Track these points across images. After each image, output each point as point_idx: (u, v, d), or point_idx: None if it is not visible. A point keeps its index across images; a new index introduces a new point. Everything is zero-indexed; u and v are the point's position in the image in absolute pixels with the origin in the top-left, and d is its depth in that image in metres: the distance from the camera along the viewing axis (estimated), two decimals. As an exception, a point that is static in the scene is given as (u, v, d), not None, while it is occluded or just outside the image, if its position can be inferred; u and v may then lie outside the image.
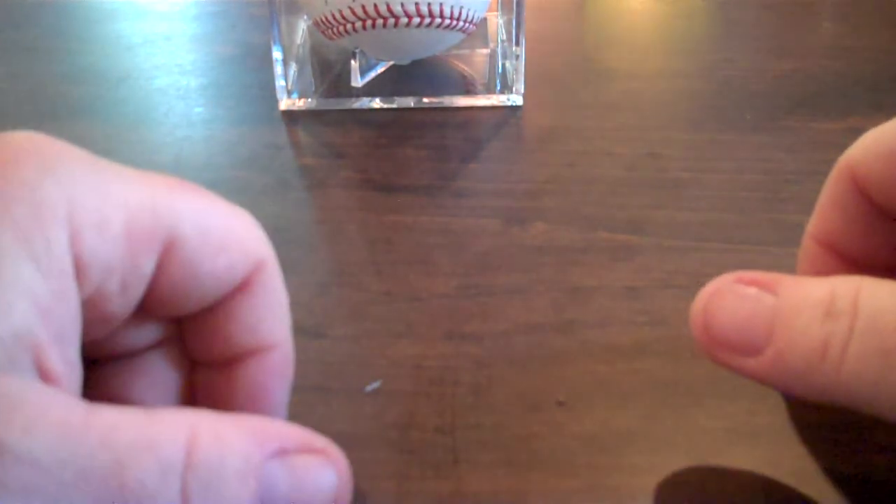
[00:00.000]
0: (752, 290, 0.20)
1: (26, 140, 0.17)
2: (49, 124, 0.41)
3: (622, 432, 0.25)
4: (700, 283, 0.30)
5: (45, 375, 0.16)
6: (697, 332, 0.21)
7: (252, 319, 0.20)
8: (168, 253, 0.18)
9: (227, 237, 0.19)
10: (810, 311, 0.19)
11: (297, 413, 0.25)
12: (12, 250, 0.15)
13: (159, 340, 0.21)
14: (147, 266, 0.18)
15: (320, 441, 0.19)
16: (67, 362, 0.16)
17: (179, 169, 0.38)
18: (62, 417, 0.15)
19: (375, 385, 0.27)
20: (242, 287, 0.20)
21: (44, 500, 0.14)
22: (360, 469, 0.24)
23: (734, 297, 0.20)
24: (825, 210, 0.22)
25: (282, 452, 0.18)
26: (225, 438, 0.17)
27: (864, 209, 0.22)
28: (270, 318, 0.21)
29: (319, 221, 0.35)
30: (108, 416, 0.16)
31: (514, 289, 0.31)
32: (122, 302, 0.18)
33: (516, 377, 0.27)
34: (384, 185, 0.36)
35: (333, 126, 0.41)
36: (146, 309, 0.19)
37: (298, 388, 0.22)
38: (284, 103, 0.42)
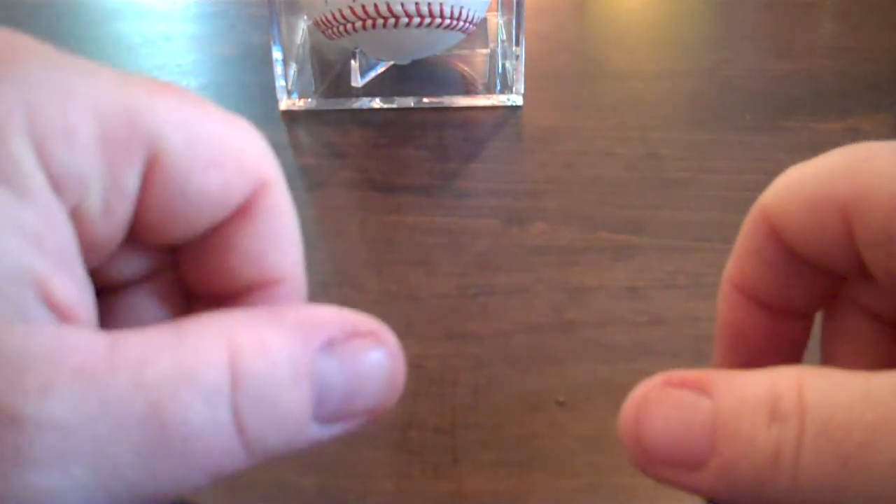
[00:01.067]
0: (685, 394, 0.18)
1: None
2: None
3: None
4: (700, 283, 0.31)
5: (55, 308, 0.14)
6: (630, 448, 0.19)
7: (255, 248, 0.18)
8: (152, 167, 0.16)
9: (220, 150, 0.17)
10: (753, 414, 0.17)
11: (297, 413, 0.25)
12: None
13: (151, 272, 0.19)
14: (130, 181, 0.16)
15: (365, 322, 0.17)
16: (77, 284, 0.15)
17: (179, 169, 0.38)
18: (82, 363, 0.13)
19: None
20: (242, 211, 0.18)
21: (81, 465, 0.13)
22: (360, 469, 0.24)
23: (666, 405, 0.18)
24: (742, 255, 0.21)
25: (329, 344, 0.16)
26: (269, 345, 0.15)
27: (782, 255, 0.20)
28: (276, 248, 0.18)
29: (319, 221, 0.35)
30: (134, 349, 0.14)
31: (514, 289, 0.30)
32: (107, 225, 0.16)
33: (516, 377, 0.27)
34: (384, 185, 0.36)
35: (333, 126, 0.41)
36: (134, 235, 0.17)
37: (298, 388, 0.22)
38: (284, 103, 0.42)
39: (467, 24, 0.41)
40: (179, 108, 0.16)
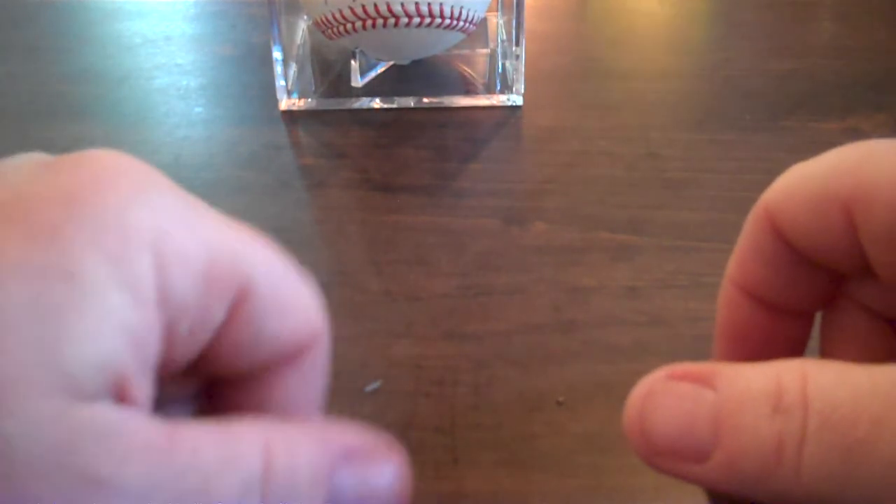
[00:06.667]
0: (689, 387, 0.18)
1: (114, 161, 0.16)
2: (49, 124, 0.41)
3: (622, 432, 0.25)
4: (700, 283, 0.31)
5: (125, 403, 0.16)
6: (635, 440, 0.19)
7: (291, 394, 0.20)
8: (240, 303, 0.18)
9: (295, 300, 0.19)
10: (756, 406, 0.17)
11: (297, 413, 0.25)
12: (102, 277, 0.15)
13: (189, 396, 0.20)
14: (218, 312, 0.17)
15: (379, 439, 0.19)
16: (146, 390, 0.16)
17: (179, 169, 0.38)
18: (150, 443, 0.15)
19: (375, 385, 0.27)
20: (293, 357, 0.19)
21: None
22: (360, 469, 0.24)
23: (670, 398, 0.19)
24: (744, 255, 0.21)
25: (347, 457, 0.18)
26: (297, 449, 0.17)
27: (784, 253, 0.21)
28: (307, 398, 0.20)
29: (319, 221, 0.35)
30: (190, 436, 0.16)
31: (514, 289, 0.30)
32: (184, 348, 0.18)
33: (516, 377, 0.27)
34: (384, 185, 0.36)
35: (333, 126, 0.41)
36: (200, 363, 0.19)
37: (298, 388, 0.22)
38: (284, 103, 0.42)
39: (467, 24, 0.41)
40: (269, 258, 0.18)
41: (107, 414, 0.15)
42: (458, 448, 0.25)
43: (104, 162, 0.16)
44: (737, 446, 0.17)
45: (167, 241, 0.16)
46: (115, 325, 0.15)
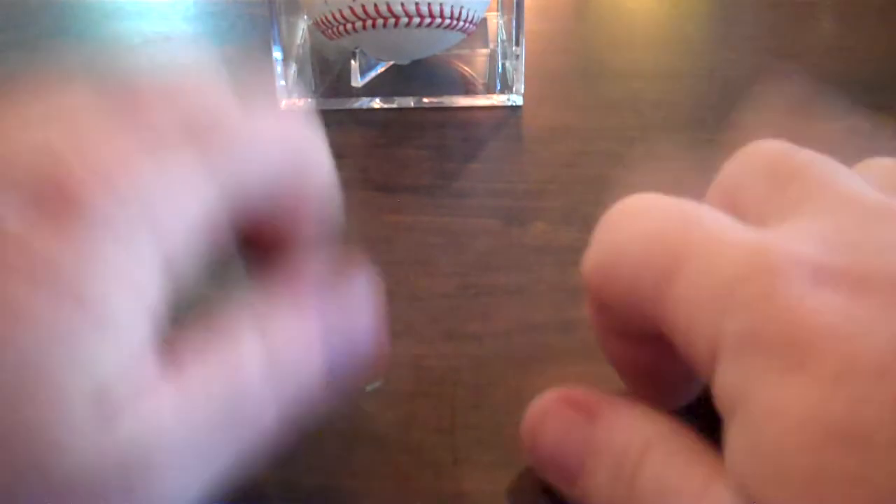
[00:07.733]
0: (574, 416, 0.21)
1: (100, 181, 0.17)
2: (49, 124, 0.41)
3: (622, 432, 0.25)
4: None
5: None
6: (527, 450, 0.22)
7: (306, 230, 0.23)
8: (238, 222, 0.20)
9: (288, 179, 0.22)
10: (608, 457, 0.19)
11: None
12: (125, 308, 0.17)
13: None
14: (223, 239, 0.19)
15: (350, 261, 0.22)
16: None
17: (179, 169, 0.38)
18: (170, 402, 0.17)
19: (375, 385, 0.27)
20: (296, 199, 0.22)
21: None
22: (360, 469, 0.24)
23: (556, 421, 0.21)
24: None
25: (330, 318, 0.20)
26: (289, 334, 0.19)
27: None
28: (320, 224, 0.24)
29: (319, 221, 0.35)
30: (195, 373, 0.17)
31: (514, 289, 0.30)
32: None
33: (516, 377, 0.27)
34: (384, 185, 0.36)
35: (333, 126, 0.41)
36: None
37: (298, 388, 0.22)
38: (284, 103, 0.42)
39: (467, 24, 0.41)
40: (258, 164, 0.20)
41: (141, 411, 0.16)
42: (458, 448, 0.25)
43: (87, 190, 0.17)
44: (588, 485, 0.20)
45: (171, 243, 0.18)
46: (137, 344, 0.17)
